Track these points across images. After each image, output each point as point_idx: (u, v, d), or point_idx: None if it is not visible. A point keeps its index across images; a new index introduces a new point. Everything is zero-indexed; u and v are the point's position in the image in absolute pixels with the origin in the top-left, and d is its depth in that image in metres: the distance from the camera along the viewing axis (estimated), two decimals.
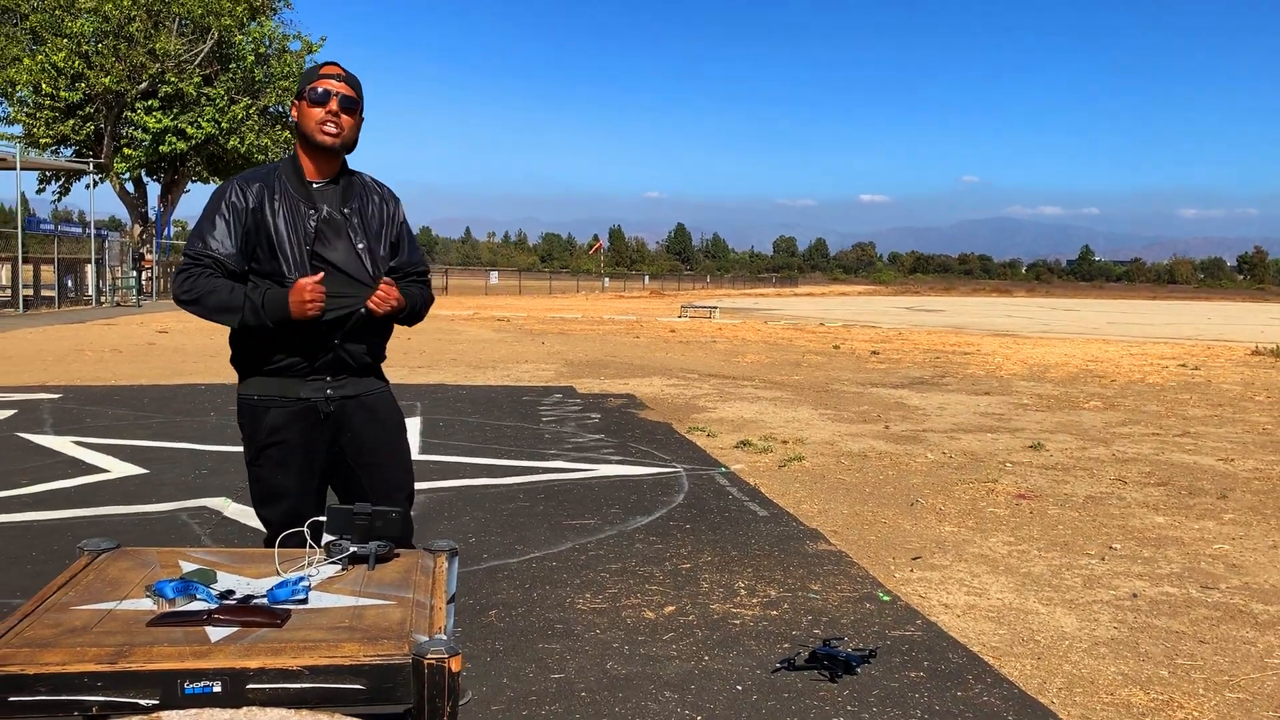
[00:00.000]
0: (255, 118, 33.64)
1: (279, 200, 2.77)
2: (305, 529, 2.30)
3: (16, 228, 24.67)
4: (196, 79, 32.13)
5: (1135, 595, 4.30)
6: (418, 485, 6.16)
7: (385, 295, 2.80)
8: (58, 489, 5.88)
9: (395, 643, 1.79)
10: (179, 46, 31.74)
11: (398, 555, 2.29)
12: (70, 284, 28.53)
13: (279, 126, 35.17)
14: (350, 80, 2.86)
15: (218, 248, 2.72)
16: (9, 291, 26.18)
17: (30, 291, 26.23)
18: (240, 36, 33.49)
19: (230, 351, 2.90)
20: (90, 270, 28.58)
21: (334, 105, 2.79)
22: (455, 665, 1.75)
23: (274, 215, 2.75)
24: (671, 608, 4.03)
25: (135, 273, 30.83)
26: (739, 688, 3.27)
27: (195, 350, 14.77)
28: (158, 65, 31.22)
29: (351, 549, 2.21)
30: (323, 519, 2.27)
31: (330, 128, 2.78)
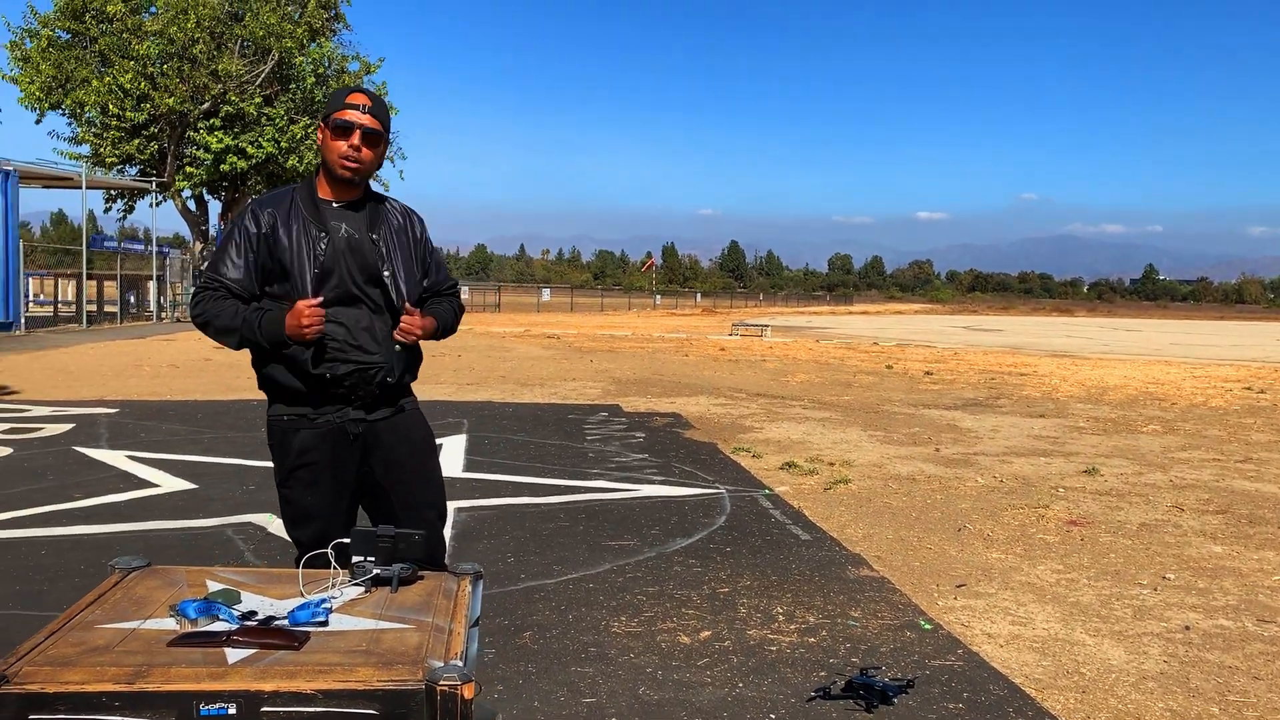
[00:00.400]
0: (314, 137, 34.25)
1: (293, 223, 2.79)
2: (330, 551, 2.31)
3: (82, 245, 25.33)
4: (257, 99, 32.81)
5: (1188, 627, 4.17)
6: (460, 504, 6.19)
7: (410, 326, 2.81)
8: (108, 503, 5.98)
9: (410, 668, 1.78)
10: (241, 68, 32.46)
11: (422, 578, 2.29)
12: (133, 300, 29.21)
13: None
14: (376, 110, 2.82)
15: (226, 273, 2.78)
16: (74, 307, 26.85)
17: (94, 307, 26.89)
18: (300, 58, 34.16)
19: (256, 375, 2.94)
20: (152, 286, 29.23)
21: (356, 139, 2.78)
22: (468, 692, 1.73)
23: (287, 238, 2.78)
24: (707, 633, 3.99)
25: (195, 289, 31.49)
26: (772, 716, 3.22)
27: (249, 367, 14.98)
28: (220, 86, 31.95)
29: (375, 571, 2.22)
30: (348, 540, 2.28)
31: (351, 162, 2.78)
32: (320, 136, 2.86)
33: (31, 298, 33.02)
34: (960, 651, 3.83)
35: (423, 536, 2.27)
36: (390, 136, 2.92)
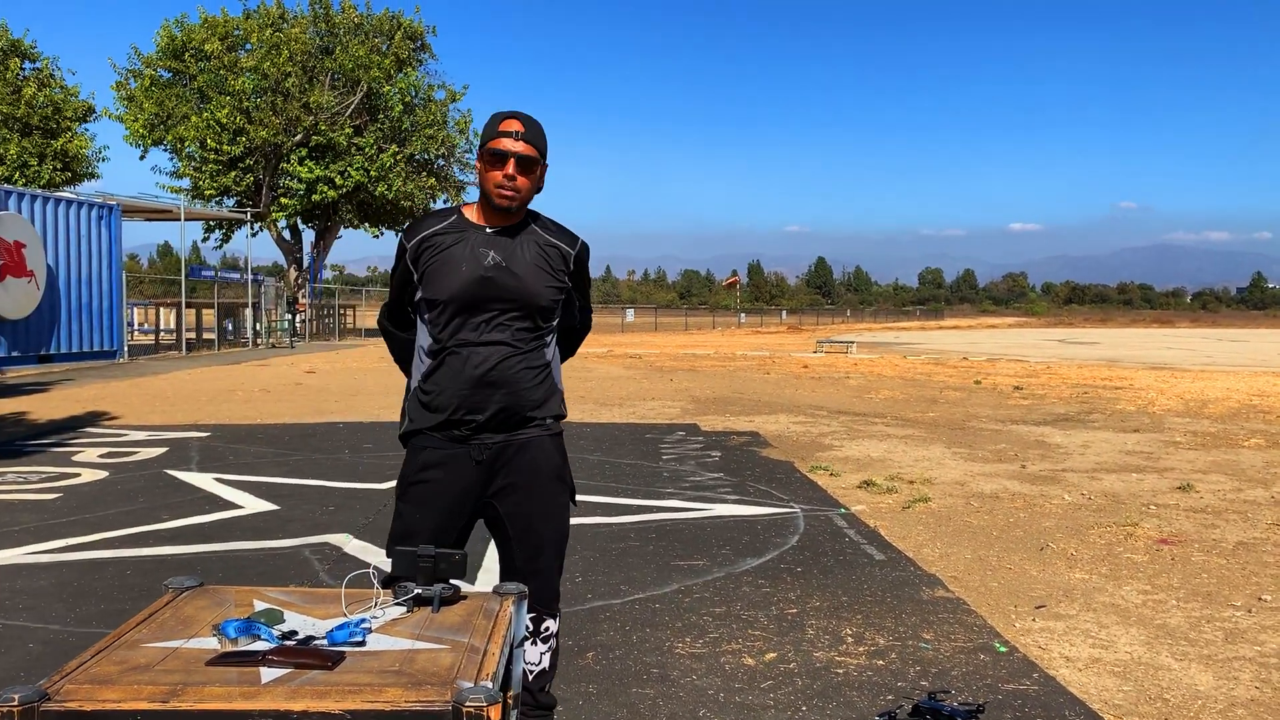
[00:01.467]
0: (402, 165, 35.05)
1: (448, 243, 2.81)
2: (372, 571, 2.32)
3: (181, 275, 26.29)
4: (347, 130, 33.76)
5: None
6: None
7: None
8: (193, 524, 6.16)
9: (439, 689, 1.77)
10: (331, 99, 33.45)
11: (465, 598, 2.28)
12: (230, 327, 30.17)
13: (425, 174, 36.56)
14: (531, 136, 2.75)
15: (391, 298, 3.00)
16: (174, 335, 27.86)
17: (192, 335, 27.86)
18: (388, 88, 35.06)
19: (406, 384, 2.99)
20: (248, 314, 30.16)
21: (511, 168, 2.72)
22: (494, 714, 1.71)
23: (435, 257, 2.80)
24: (773, 654, 3.92)
25: (289, 316, 32.38)
26: None
27: (339, 390, 15.36)
28: (311, 118, 32.96)
29: (416, 591, 2.22)
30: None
31: (507, 191, 2.74)
32: (478, 165, 2.81)
33: (135, 326, 34.36)
34: (1036, 675, 3.69)
35: (463, 556, 2.27)
36: (546, 160, 2.84)
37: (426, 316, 2.84)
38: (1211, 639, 4.13)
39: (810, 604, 4.57)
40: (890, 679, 3.66)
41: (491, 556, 4.85)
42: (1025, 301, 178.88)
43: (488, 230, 2.81)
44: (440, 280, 2.78)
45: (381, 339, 3.17)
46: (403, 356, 3.02)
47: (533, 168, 2.76)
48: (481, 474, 2.83)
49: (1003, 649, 3.98)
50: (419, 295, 2.83)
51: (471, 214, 2.86)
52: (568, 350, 3.13)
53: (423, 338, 2.88)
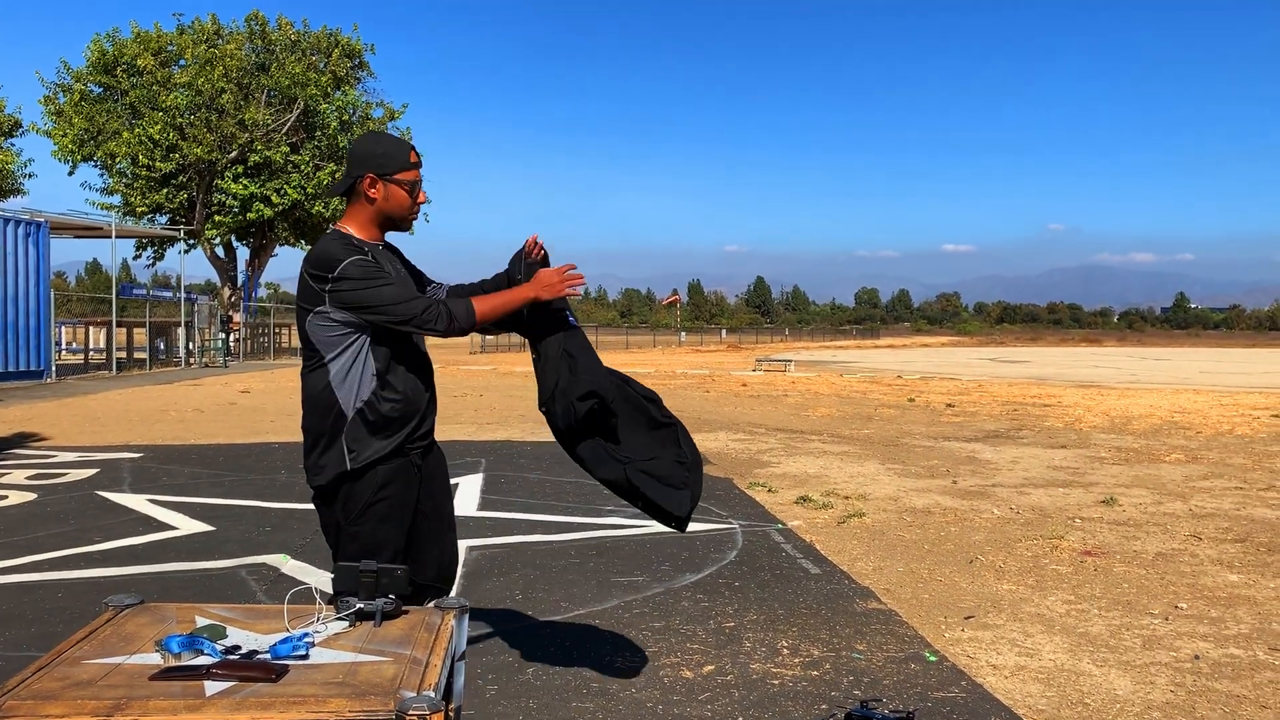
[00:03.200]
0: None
1: (377, 255, 2.96)
2: (314, 587, 2.35)
3: (112, 293, 25.76)
4: (284, 147, 33.40)
5: (1197, 657, 4.12)
6: (472, 542, 6.25)
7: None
8: (127, 545, 6.07)
9: (382, 699, 1.81)
10: (267, 117, 33.10)
11: (406, 612, 2.32)
12: (162, 346, 29.60)
13: None
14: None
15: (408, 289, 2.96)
16: (104, 354, 27.26)
17: (123, 354, 27.28)
18: (325, 105, 34.80)
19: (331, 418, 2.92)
20: (181, 333, 29.63)
21: (422, 198, 3.06)
22: None
23: (384, 266, 2.95)
24: (711, 667, 3.99)
25: (223, 335, 31.87)
26: None
27: (274, 410, 15.17)
28: (246, 135, 32.57)
29: (359, 605, 2.26)
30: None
31: (416, 215, 3.05)
32: (380, 188, 2.93)
33: (63, 346, 33.54)
34: (964, 683, 3.81)
35: (405, 571, 2.31)
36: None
37: (371, 335, 2.89)
38: (1130, 646, 4.29)
39: (747, 617, 4.66)
40: (824, 689, 3.75)
41: None
42: (958, 321, 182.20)
43: (379, 247, 3.02)
44: None
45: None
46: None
47: None
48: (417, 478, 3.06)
49: (933, 658, 4.10)
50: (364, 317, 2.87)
51: (355, 232, 2.97)
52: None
53: (365, 361, 2.90)
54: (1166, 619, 4.67)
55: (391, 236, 3.11)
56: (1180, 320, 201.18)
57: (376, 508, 2.91)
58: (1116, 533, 6.61)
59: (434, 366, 3.14)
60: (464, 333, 3.01)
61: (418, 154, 3.03)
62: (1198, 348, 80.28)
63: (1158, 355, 55.39)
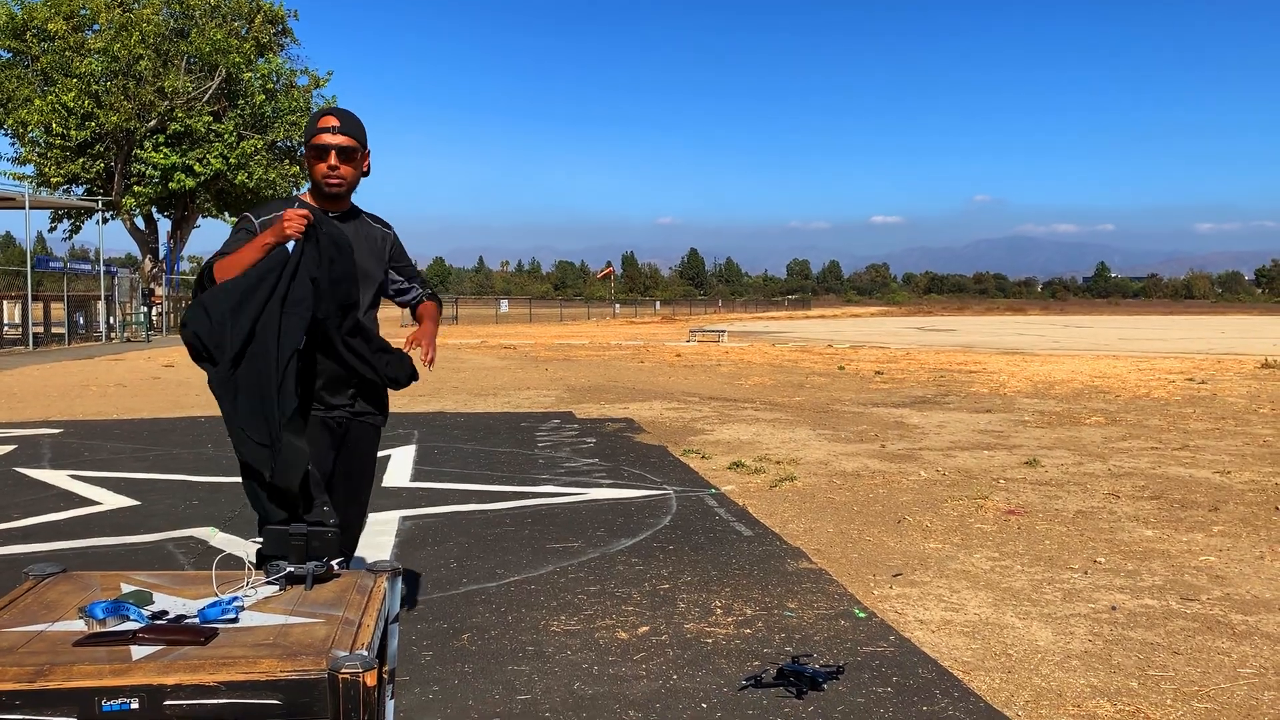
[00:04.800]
0: (264, 153, 33.99)
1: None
2: (246, 553, 2.32)
3: (26, 266, 24.93)
4: (206, 116, 32.53)
5: (1114, 608, 4.27)
6: (406, 512, 6.23)
7: (430, 355, 3.29)
8: (48, 521, 5.92)
9: (314, 658, 1.80)
10: (187, 84, 32.17)
11: (338, 576, 2.31)
12: (81, 321, 28.77)
13: (287, 161, 35.54)
14: (348, 128, 3.10)
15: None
16: (19, 329, 26.43)
17: (40, 329, 26.47)
18: (248, 73, 33.93)
19: None
20: (101, 307, 28.82)
21: (333, 159, 3.09)
22: (370, 680, 1.76)
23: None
24: (645, 628, 4.03)
25: (145, 308, 31.08)
26: (704, 705, 3.27)
27: (199, 383, 14.82)
28: (166, 103, 31.64)
29: (289, 569, 2.24)
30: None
31: (333, 180, 3.11)
32: (305, 161, 3.15)
33: None
34: (892, 638, 3.90)
35: (335, 534, 2.30)
36: (368, 148, 3.20)
37: None
38: (1051, 599, 4.43)
39: (682, 579, 4.71)
40: (757, 646, 3.82)
41: None
42: (887, 291, 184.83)
43: (328, 215, 3.09)
44: None
45: None
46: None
47: (354, 155, 3.13)
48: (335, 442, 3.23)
49: (862, 615, 4.19)
50: None
51: (310, 200, 3.18)
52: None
53: None
54: (1085, 573, 4.83)
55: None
56: (1101, 289, 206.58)
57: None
58: (1039, 492, 6.79)
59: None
60: (205, 280, 2.83)
61: (338, 117, 3.10)
62: (1117, 316, 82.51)
63: (1079, 323, 56.85)
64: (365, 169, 3.20)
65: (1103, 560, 5.05)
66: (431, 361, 3.30)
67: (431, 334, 3.38)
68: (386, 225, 3.41)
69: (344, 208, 3.22)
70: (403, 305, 3.51)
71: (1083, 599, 4.41)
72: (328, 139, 3.08)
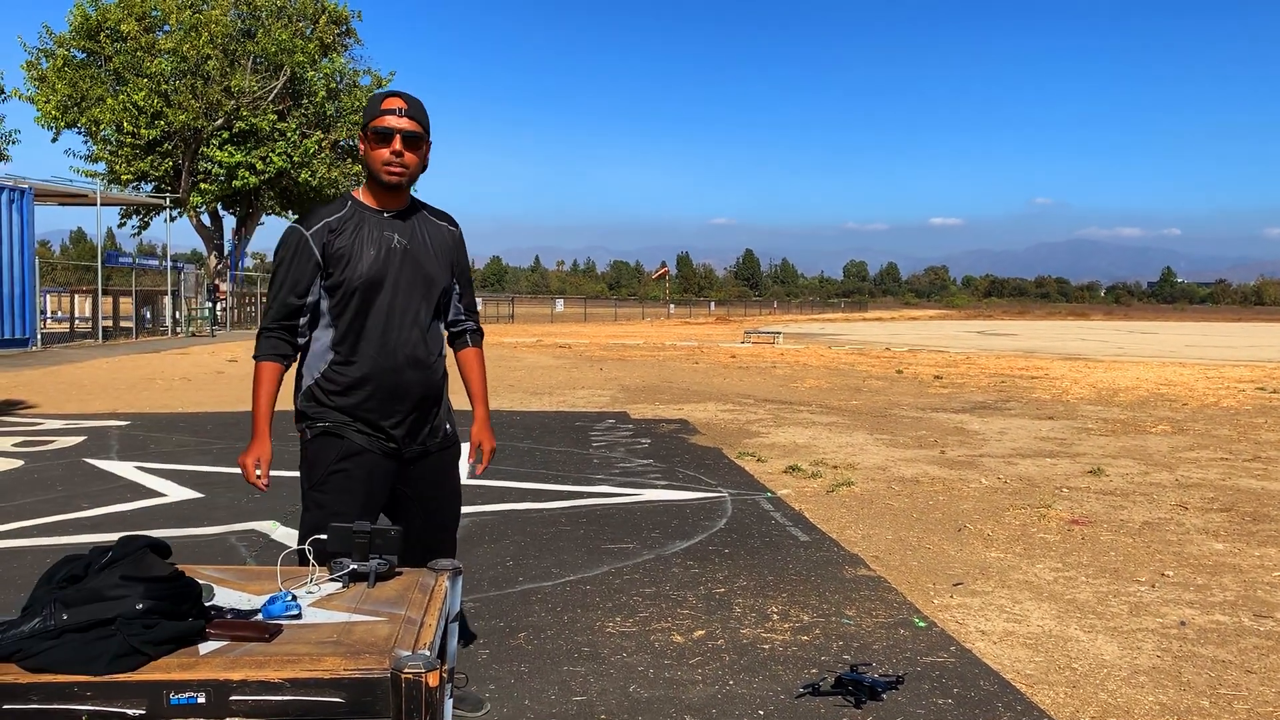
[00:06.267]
0: (326, 151, 34.50)
1: (353, 228, 2.83)
2: (308, 548, 2.35)
3: (97, 261, 25.56)
4: (270, 115, 33.09)
5: (1183, 623, 4.16)
6: (463, 509, 6.25)
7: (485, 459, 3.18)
8: (115, 512, 6.05)
9: (377, 657, 1.81)
10: (253, 84, 32.75)
11: (400, 574, 2.32)
12: (148, 315, 29.43)
13: (349, 160, 36.04)
14: (414, 112, 2.80)
15: (288, 302, 2.84)
16: (89, 323, 27.10)
17: (109, 323, 27.13)
18: (312, 73, 34.46)
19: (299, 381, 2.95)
20: (167, 302, 29.45)
21: (398, 144, 2.78)
22: (433, 680, 1.76)
23: (345, 242, 2.81)
24: (701, 632, 4.01)
25: (210, 304, 31.70)
26: (761, 712, 3.24)
27: None
28: (233, 102, 32.24)
29: (353, 566, 2.25)
30: (323, 537, 2.31)
31: (395, 168, 2.79)
32: (362, 146, 2.87)
33: (48, 314, 33.32)
34: (953, 648, 3.84)
35: (398, 532, 2.30)
36: (431, 137, 2.91)
37: (324, 306, 2.85)
38: (1117, 612, 4.32)
39: (738, 583, 4.68)
40: (814, 653, 3.77)
41: None
42: (946, 294, 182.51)
43: (385, 214, 2.88)
44: (350, 264, 2.81)
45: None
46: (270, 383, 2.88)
47: (419, 144, 2.83)
48: (396, 461, 2.94)
49: (921, 624, 4.12)
50: (320, 284, 2.83)
51: (362, 197, 2.91)
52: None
53: (318, 333, 2.88)
54: (1153, 586, 4.71)
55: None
56: (1166, 295, 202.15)
57: (334, 479, 2.87)
58: (1103, 502, 6.65)
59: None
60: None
61: (405, 100, 2.80)
62: (1184, 322, 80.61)
63: (1144, 329, 55.63)
64: (426, 161, 2.89)
65: (1171, 574, 4.92)
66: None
67: (488, 433, 3.21)
68: (452, 222, 3.07)
69: (402, 203, 2.91)
70: (445, 328, 3.13)
71: (1150, 613, 4.30)
72: (392, 122, 2.76)
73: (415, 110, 2.81)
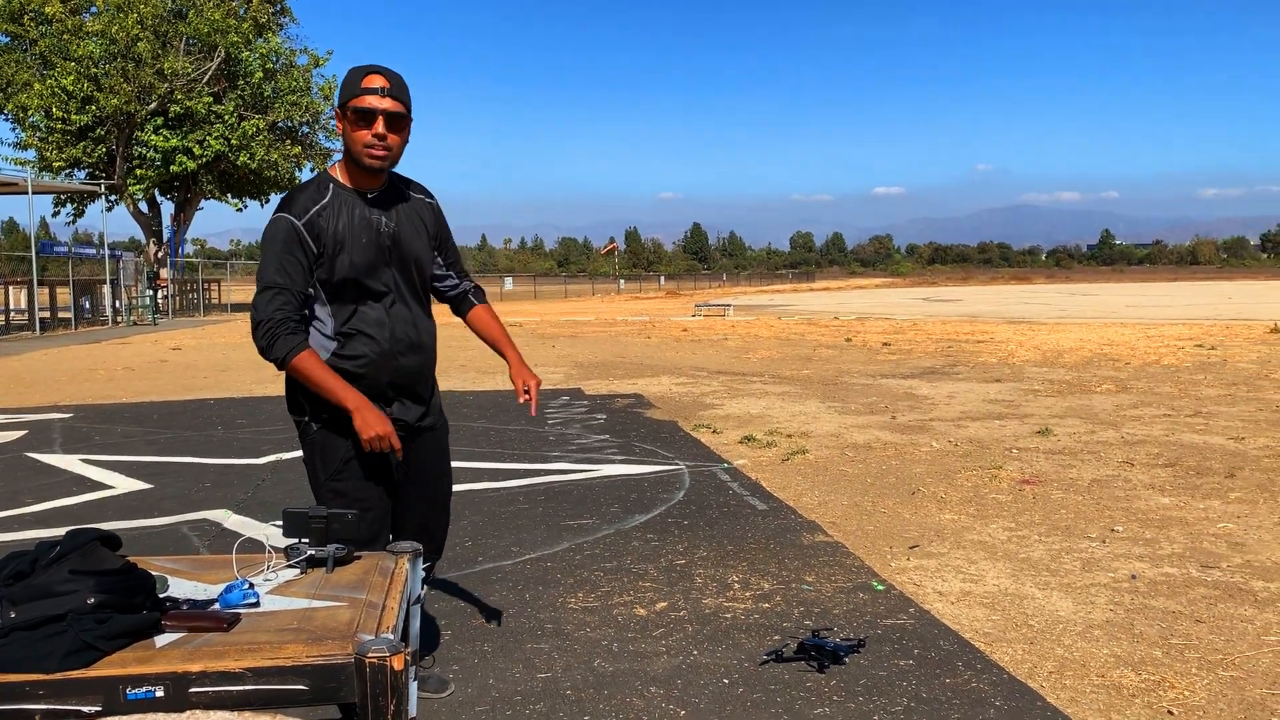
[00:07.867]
0: (265, 133, 33.85)
1: (334, 211, 2.70)
2: (265, 536, 2.30)
3: (31, 251, 24.90)
4: (206, 97, 32.38)
5: (1134, 577, 4.25)
6: None
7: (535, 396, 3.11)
8: (61, 506, 5.92)
9: (339, 643, 1.78)
10: (187, 66, 32.00)
11: (358, 558, 2.29)
12: (87, 305, 28.75)
13: (288, 141, 35.41)
14: (397, 91, 2.65)
15: (292, 281, 2.66)
16: (25, 314, 26.44)
17: (46, 314, 26.47)
18: (247, 53, 33.75)
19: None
20: (106, 291, 28.81)
21: (380, 126, 2.63)
22: (398, 663, 1.74)
23: (330, 225, 2.68)
24: (663, 604, 4.02)
25: (151, 292, 31.07)
26: (725, 681, 3.25)
27: (207, 366, 14.85)
28: (166, 85, 31.49)
29: (309, 552, 2.21)
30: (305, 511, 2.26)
31: (378, 151, 2.65)
32: (339, 125, 2.70)
33: None
34: (912, 610, 3.88)
35: (355, 516, 2.26)
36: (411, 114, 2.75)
37: (320, 295, 2.74)
38: (1070, 569, 4.40)
39: (698, 554, 4.69)
40: (776, 620, 3.80)
41: None
42: (891, 263, 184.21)
43: (367, 195, 2.76)
44: (341, 253, 2.70)
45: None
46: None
47: (403, 124, 2.68)
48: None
49: (880, 587, 4.17)
50: (314, 273, 2.70)
51: (340, 176, 2.77)
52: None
53: (315, 323, 2.76)
54: (1103, 542, 4.80)
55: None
56: (1105, 257, 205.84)
57: (352, 466, 2.78)
58: (1052, 461, 6.76)
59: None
60: (275, 364, 2.66)
61: (386, 77, 2.64)
62: (1123, 283, 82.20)
63: (1085, 291, 56.63)
64: (407, 139, 2.73)
65: (1120, 529, 5.02)
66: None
67: (528, 371, 3.13)
68: (428, 194, 2.94)
69: (382, 183, 2.77)
70: (442, 298, 3.08)
71: (1102, 568, 4.39)
72: (374, 102, 2.60)
73: (398, 88, 2.66)
